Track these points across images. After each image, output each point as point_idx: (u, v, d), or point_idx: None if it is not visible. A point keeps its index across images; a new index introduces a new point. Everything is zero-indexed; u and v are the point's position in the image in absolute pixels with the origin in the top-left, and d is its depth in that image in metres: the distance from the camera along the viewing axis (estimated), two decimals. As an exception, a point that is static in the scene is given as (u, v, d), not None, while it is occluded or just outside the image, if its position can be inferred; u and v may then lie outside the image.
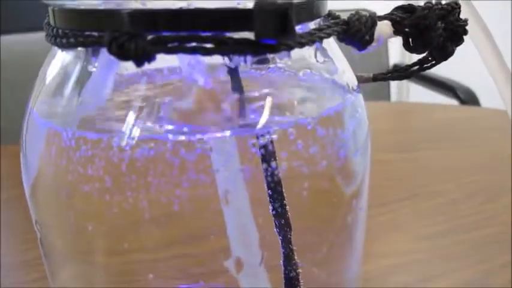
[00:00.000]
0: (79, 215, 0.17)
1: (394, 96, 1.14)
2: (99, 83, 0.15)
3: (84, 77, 0.16)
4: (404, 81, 1.15)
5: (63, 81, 0.16)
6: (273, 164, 0.15)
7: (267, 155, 0.15)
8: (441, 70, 1.01)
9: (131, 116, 0.15)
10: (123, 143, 0.14)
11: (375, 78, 0.23)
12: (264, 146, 0.15)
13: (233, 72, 0.16)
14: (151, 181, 0.14)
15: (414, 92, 1.16)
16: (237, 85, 0.15)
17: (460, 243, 0.39)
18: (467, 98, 0.87)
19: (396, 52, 1.07)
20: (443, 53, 0.19)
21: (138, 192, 0.15)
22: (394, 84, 1.10)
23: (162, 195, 0.15)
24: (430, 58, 0.21)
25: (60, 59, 0.17)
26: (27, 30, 0.83)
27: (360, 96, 0.20)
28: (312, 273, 0.20)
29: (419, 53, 0.18)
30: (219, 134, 0.15)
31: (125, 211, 0.15)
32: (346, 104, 0.18)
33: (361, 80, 0.22)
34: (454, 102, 0.90)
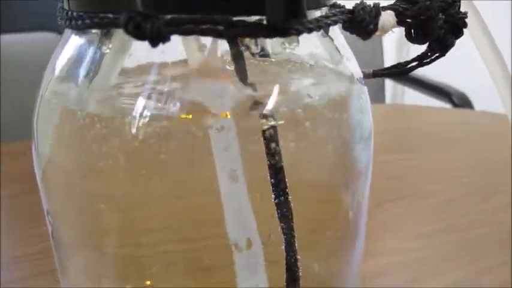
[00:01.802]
0: (91, 197, 0.17)
1: (388, 101, 1.15)
2: (112, 65, 0.16)
3: (97, 60, 0.16)
4: (399, 86, 1.16)
5: (76, 64, 0.17)
6: (277, 148, 0.16)
7: (272, 138, 0.15)
8: (436, 75, 1.02)
9: (143, 97, 0.15)
10: (135, 123, 0.15)
11: (375, 74, 0.24)
12: (270, 129, 0.15)
13: (239, 56, 0.16)
14: (164, 161, 0.15)
15: (409, 97, 1.17)
16: (243, 68, 0.16)
17: (454, 242, 0.40)
18: (462, 102, 0.88)
19: (391, 53, 1.07)
20: (443, 45, 0.19)
21: (150, 174, 0.15)
22: (389, 88, 1.11)
23: (175, 176, 0.15)
24: (429, 53, 0.22)
25: (73, 43, 0.17)
26: (25, 30, 0.83)
27: (365, 88, 0.20)
28: (311, 266, 0.21)
29: (420, 43, 0.19)
30: (227, 115, 0.15)
31: (137, 192, 0.16)
32: (351, 92, 0.18)
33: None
34: (448, 106, 0.91)
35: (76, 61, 0.17)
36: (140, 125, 0.15)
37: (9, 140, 0.64)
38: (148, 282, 0.21)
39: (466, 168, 0.53)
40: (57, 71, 0.18)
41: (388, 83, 1.08)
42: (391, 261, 0.38)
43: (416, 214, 0.45)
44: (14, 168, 0.51)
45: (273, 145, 0.15)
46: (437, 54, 0.22)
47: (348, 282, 0.24)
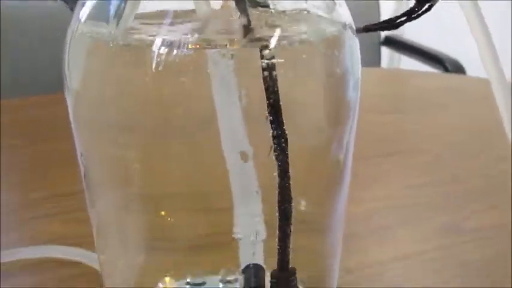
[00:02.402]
0: (119, 126, 0.20)
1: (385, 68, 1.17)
2: (133, 8, 0.18)
3: (122, 3, 0.19)
4: (396, 54, 1.18)
5: (104, 7, 0.19)
6: (275, 81, 0.18)
7: (271, 71, 0.18)
8: (431, 43, 1.04)
9: (162, 32, 0.18)
10: (157, 52, 0.18)
11: (366, 29, 0.26)
12: (269, 64, 0.18)
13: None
14: (186, 89, 0.18)
15: (405, 65, 1.19)
16: (245, 12, 0.18)
17: (441, 193, 0.43)
18: (455, 69, 0.90)
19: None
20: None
21: (173, 101, 0.18)
22: (385, 56, 1.13)
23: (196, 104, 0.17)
24: (416, 9, 0.24)
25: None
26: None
27: (357, 40, 0.23)
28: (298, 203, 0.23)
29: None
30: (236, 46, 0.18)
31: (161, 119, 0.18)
32: (343, 35, 0.21)
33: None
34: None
35: (104, 5, 0.19)
36: (161, 52, 0.17)
37: (9, 95, 0.66)
38: (163, 213, 0.24)
39: (456, 130, 0.55)
40: (86, 15, 0.20)
41: (385, 51, 1.11)
42: (381, 206, 0.41)
43: (406, 168, 0.48)
44: (14, 122, 0.54)
45: (271, 78, 0.18)
46: (425, 8, 0.24)
47: (334, 223, 0.26)
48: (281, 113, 0.19)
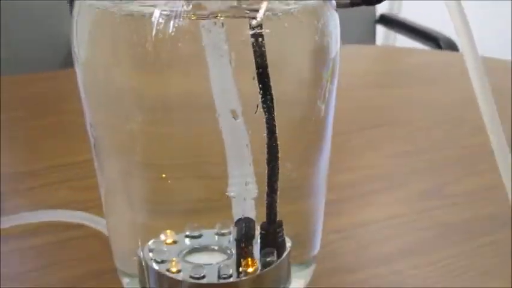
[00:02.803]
0: (124, 91, 0.22)
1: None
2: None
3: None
4: (391, 32, 1.19)
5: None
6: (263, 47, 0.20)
7: (258, 39, 0.20)
8: (426, 21, 1.05)
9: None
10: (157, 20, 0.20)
11: (352, 3, 0.28)
12: (256, 32, 0.20)
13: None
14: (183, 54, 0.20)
15: (400, 43, 1.21)
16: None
17: (422, 161, 0.46)
18: (448, 47, 0.92)
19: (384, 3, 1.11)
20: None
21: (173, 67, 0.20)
22: (380, 34, 1.15)
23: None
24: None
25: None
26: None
27: (336, 15, 0.25)
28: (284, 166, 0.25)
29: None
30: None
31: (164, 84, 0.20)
32: (324, 7, 0.23)
33: (339, 5, 0.27)
34: (435, 51, 0.96)
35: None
36: (160, 20, 0.20)
37: (9, 72, 0.68)
38: (163, 175, 0.27)
39: (442, 103, 0.58)
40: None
41: (380, 30, 1.12)
42: (368, 173, 0.44)
43: (393, 138, 0.50)
44: (16, 97, 0.56)
45: (258, 44, 0.20)
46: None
47: (317, 184, 0.28)
48: (268, 74, 0.21)
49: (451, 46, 0.93)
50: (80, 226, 0.33)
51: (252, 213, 0.26)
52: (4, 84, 0.56)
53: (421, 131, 0.52)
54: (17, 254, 0.33)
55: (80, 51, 0.24)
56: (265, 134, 0.23)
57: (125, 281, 0.29)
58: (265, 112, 0.22)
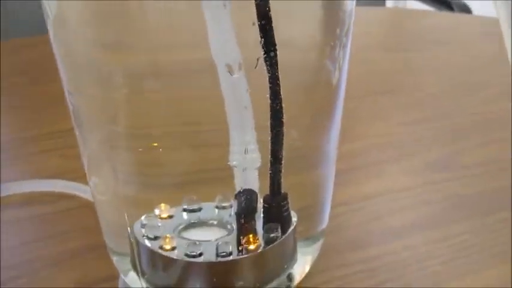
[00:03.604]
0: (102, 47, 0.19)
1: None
2: None
3: None
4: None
5: None
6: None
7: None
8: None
9: None
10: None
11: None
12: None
13: None
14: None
15: (410, 6, 1.17)
16: None
17: (432, 128, 0.43)
18: (461, 11, 0.89)
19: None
20: None
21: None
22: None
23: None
24: None
25: None
26: None
27: None
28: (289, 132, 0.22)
29: None
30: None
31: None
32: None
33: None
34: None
35: None
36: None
37: (9, 37, 0.66)
38: (155, 144, 0.24)
39: (455, 67, 0.55)
40: None
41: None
42: (375, 142, 0.41)
43: (403, 105, 0.48)
44: (15, 62, 0.54)
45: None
46: None
47: (326, 153, 0.26)
48: (270, 22, 0.18)
49: (464, 10, 0.89)
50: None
51: (255, 185, 0.24)
52: (4, 49, 0.55)
53: (431, 97, 0.49)
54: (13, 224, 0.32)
55: (51, 7, 0.21)
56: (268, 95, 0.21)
57: (115, 259, 0.27)
58: (267, 69, 0.19)
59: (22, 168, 0.38)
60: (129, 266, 0.25)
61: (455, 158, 0.39)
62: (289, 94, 0.21)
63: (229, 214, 0.25)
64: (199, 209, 0.26)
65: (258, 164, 0.23)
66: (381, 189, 0.36)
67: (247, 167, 0.23)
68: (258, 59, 0.19)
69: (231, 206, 0.25)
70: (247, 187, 0.23)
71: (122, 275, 0.26)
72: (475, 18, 0.79)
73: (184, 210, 0.25)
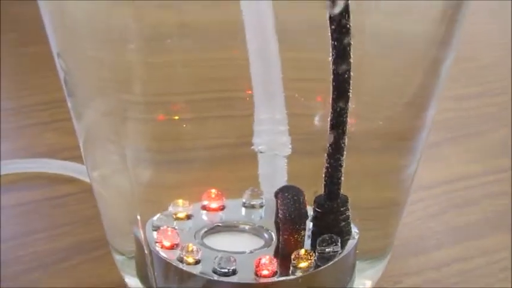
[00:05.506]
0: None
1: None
2: None
3: None
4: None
5: None
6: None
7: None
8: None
9: None
10: None
11: None
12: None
13: None
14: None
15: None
16: None
17: (487, 105, 0.39)
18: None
19: None
20: None
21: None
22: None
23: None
24: None
25: None
26: None
27: None
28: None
29: None
30: None
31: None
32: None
33: None
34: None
35: None
36: None
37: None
38: (170, 117, 0.20)
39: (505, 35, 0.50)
40: None
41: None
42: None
43: (451, 78, 0.43)
44: (11, 18, 0.49)
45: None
46: None
47: (415, 145, 0.21)
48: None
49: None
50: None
51: (282, 178, 0.19)
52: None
53: (482, 69, 0.44)
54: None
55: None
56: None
57: (118, 258, 0.21)
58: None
59: (13, 144, 0.34)
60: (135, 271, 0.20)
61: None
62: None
63: (260, 216, 0.20)
64: (223, 208, 0.20)
65: (288, 151, 0.19)
66: (435, 179, 0.30)
67: (277, 152, 0.19)
68: None
69: (261, 205, 0.20)
70: (272, 179, 0.19)
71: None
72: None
73: (204, 208, 0.20)
